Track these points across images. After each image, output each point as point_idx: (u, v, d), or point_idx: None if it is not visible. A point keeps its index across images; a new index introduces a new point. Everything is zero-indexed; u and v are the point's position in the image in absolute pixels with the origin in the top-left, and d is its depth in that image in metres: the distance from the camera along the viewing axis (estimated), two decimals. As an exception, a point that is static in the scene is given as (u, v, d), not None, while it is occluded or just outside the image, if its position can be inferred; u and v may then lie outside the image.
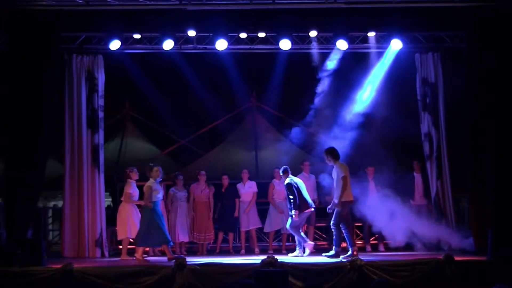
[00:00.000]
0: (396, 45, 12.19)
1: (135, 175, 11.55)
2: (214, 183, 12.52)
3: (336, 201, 10.65)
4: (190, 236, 12.19)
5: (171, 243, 11.04)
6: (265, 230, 12.55)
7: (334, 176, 10.79)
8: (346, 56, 12.61)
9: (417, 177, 12.48)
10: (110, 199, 14.58)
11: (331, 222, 10.77)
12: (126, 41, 12.33)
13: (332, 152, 10.84)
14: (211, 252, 12.26)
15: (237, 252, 12.30)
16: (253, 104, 15.29)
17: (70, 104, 12.24)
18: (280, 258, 9.53)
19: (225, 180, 12.50)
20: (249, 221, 12.35)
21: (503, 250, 9.78)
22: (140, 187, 11.66)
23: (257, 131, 15.12)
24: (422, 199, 12.39)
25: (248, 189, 12.44)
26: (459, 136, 11.91)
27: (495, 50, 10.98)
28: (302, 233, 11.45)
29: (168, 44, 12.07)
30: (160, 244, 10.99)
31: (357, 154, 12.16)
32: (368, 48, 12.65)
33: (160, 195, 11.04)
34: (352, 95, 12.77)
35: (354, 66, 12.71)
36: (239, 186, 12.50)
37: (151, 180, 11.01)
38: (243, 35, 12.35)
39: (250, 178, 12.62)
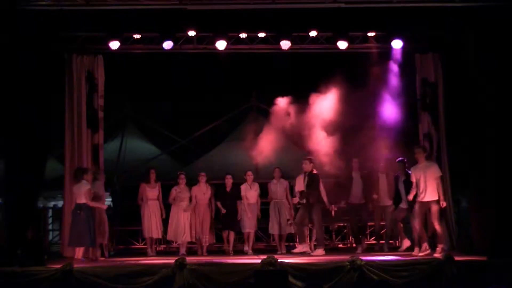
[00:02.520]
0: (396, 45, 12.20)
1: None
2: (214, 183, 12.46)
3: (441, 199, 10.67)
4: (192, 236, 12.03)
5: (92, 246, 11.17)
6: (270, 231, 12.41)
7: (428, 173, 10.67)
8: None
9: (382, 177, 12.03)
10: (110, 199, 14.57)
11: (437, 222, 10.64)
12: (126, 41, 12.33)
13: (425, 150, 11.11)
14: (211, 252, 12.20)
15: (240, 253, 12.08)
16: (253, 104, 15.28)
17: (70, 104, 12.25)
18: (281, 258, 9.55)
19: (229, 180, 12.24)
20: (251, 223, 12.16)
21: (503, 250, 9.77)
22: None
23: (257, 131, 15.09)
24: (387, 200, 11.93)
25: (254, 191, 12.24)
26: (459, 136, 11.91)
27: (495, 50, 10.97)
28: None
29: (168, 44, 12.08)
30: (93, 245, 11.07)
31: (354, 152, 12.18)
32: (368, 48, 12.65)
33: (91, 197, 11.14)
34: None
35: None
36: (244, 187, 12.23)
37: (86, 181, 11.05)
38: (243, 35, 12.36)
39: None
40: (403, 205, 11.45)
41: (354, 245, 12.63)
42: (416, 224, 10.78)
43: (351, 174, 12.19)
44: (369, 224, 12.75)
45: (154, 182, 12.18)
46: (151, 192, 12.09)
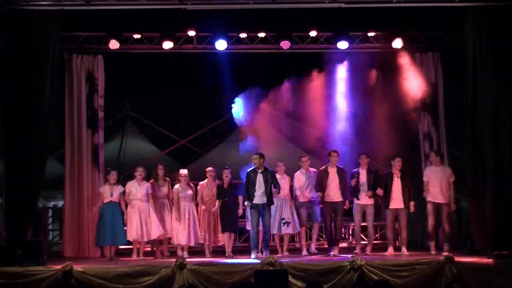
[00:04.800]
0: (396, 45, 12.21)
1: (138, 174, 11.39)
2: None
3: (452, 202, 11.24)
4: (199, 237, 11.39)
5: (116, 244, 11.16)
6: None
7: (444, 177, 11.09)
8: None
9: (362, 173, 11.40)
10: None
11: (447, 223, 11.10)
12: (126, 41, 12.34)
13: (440, 154, 11.42)
14: (213, 253, 11.97)
15: (240, 253, 11.63)
16: (253, 103, 15.26)
17: (70, 104, 12.26)
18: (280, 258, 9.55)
19: (228, 176, 11.42)
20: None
21: (503, 250, 9.77)
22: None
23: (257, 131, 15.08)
24: (368, 198, 11.36)
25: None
26: (459, 136, 11.91)
27: (494, 50, 10.97)
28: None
29: (168, 44, 12.09)
30: (115, 244, 11.13)
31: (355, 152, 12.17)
32: (367, 48, 12.67)
33: (107, 197, 11.08)
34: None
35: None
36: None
37: (105, 184, 11.22)
38: (243, 35, 12.38)
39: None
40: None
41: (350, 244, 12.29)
42: (429, 224, 11.14)
43: (327, 169, 11.38)
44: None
45: (163, 179, 11.57)
46: (160, 190, 11.50)
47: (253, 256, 10.67)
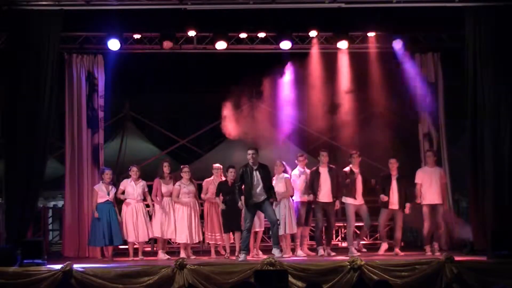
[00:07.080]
0: (396, 45, 12.22)
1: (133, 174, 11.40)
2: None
3: (445, 203, 11.36)
4: (200, 236, 11.35)
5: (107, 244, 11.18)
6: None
7: (437, 177, 11.09)
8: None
9: (357, 173, 11.30)
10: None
11: (442, 223, 11.19)
12: (126, 41, 12.35)
13: (435, 154, 11.50)
14: (206, 253, 11.91)
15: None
16: (253, 104, 15.28)
17: (70, 104, 12.26)
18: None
19: (233, 174, 11.20)
20: (260, 221, 11.31)
21: (503, 250, 9.77)
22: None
23: (257, 130, 15.08)
24: (361, 198, 11.30)
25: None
26: (459, 136, 11.91)
27: (494, 50, 10.97)
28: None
29: (168, 44, 12.10)
30: (112, 244, 11.20)
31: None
32: (368, 48, 12.67)
33: (103, 196, 11.17)
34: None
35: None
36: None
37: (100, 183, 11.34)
38: (243, 35, 12.39)
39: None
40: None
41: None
42: (425, 227, 11.11)
43: (318, 170, 11.23)
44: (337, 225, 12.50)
45: (169, 177, 11.44)
46: (166, 188, 11.30)
47: (240, 257, 10.38)
